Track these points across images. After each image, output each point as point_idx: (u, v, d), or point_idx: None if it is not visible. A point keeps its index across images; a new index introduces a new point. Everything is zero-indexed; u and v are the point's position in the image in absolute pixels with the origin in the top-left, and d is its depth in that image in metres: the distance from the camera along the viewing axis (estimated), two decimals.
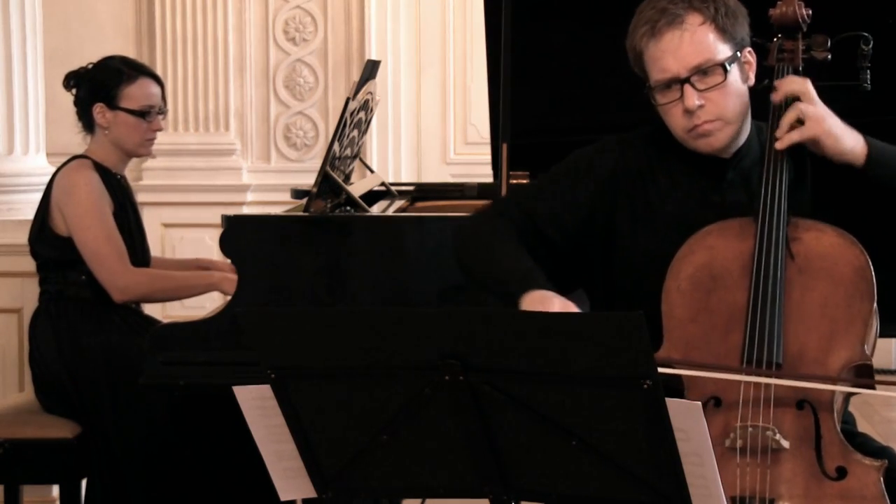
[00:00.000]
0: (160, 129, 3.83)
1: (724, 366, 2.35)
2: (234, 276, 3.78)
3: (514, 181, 3.57)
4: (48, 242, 3.70)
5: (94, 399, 3.61)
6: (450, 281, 3.14)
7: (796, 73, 2.56)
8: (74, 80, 3.82)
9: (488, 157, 3.96)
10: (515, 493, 2.05)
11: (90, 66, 3.84)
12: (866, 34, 2.74)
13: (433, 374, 1.93)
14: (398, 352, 1.94)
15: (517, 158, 3.41)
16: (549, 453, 1.96)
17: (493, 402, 1.94)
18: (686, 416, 1.87)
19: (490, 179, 4.07)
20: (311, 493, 2.11)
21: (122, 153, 3.80)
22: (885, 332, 2.65)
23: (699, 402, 1.88)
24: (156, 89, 3.80)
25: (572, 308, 2.32)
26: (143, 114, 3.75)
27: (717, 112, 2.46)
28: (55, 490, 4.04)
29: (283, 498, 2.13)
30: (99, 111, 3.75)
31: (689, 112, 2.45)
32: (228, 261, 3.48)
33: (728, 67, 2.45)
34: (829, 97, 2.65)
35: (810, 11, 2.59)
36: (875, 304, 2.37)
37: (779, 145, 2.43)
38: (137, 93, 3.76)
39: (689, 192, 2.56)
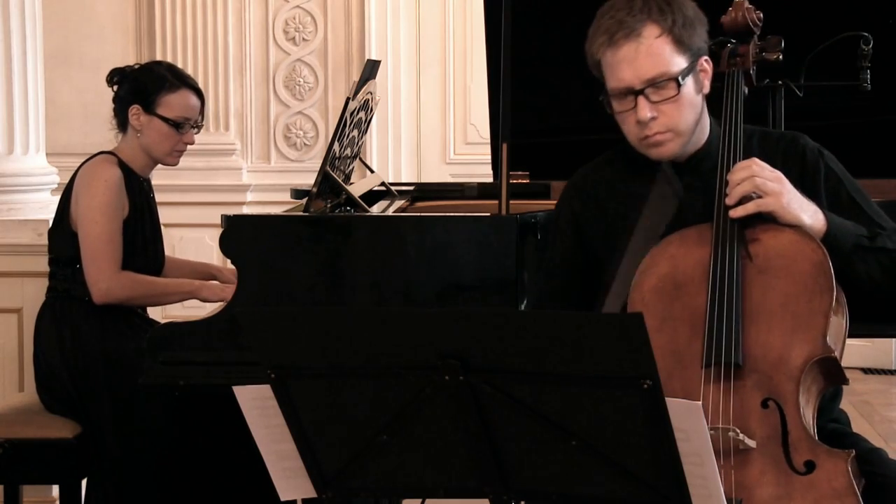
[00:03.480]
0: (191, 143, 3.81)
1: None
2: (213, 284, 3.79)
3: (514, 181, 3.58)
4: (64, 236, 3.71)
5: (94, 399, 3.61)
6: (450, 281, 3.14)
7: (747, 76, 2.57)
8: (118, 76, 3.81)
9: (488, 157, 3.97)
10: (515, 493, 2.05)
11: (136, 66, 3.84)
12: (866, 34, 2.75)
13: (433, 374, 1.93)
14: (398, 352, 1.94)
15: (517, 158, 3.41)
16: (549, 453, 1.96)
17: (493, 402, 1.94)
18: (686, 416, 1.87)
19: (490, 179, 4.07)
20: (311, 493, 2.11)
21: (149, 158, 3.80)
22: (886, 333, 2.65)
23: (699, 402, 1.88)
24: (195, 102, 3.79)
25: None
26: (177, 124, 3.74)
27: (670, 124, 2.49)
28: (55, 490, 4.04)
29: (283, 498, 2.13)
30: (134, 113, 3.74)
31: (641, 123, 2.48)
32: (233, 268, 3.47)
33: (682, 81, 2.46)
34: (829, 97, 2.65)
35: (761, 14, 2.59)
36: (836, 297, 2.37)
37: (734, 214, 2.43)
38: (176, 102, 3.74)
39: (647, 201, 2.58)
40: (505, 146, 3.20)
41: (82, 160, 3.78)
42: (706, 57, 2.53)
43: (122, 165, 3.73)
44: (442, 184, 4.67)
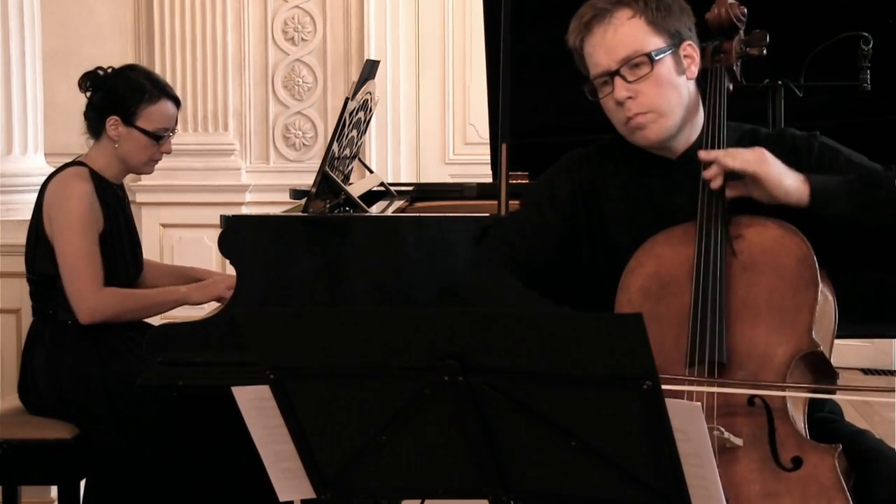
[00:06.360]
0: (169, 152, 3.72)
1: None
2: (200, 285, 3.75)
3: (514, 181, 3.57)
4: (43, 250, 3.64)
5: (91, 414, 3.58)
6: (450, 281, 3.14)
7: (730, 73, 2.57)
8: (91, 82, 3.68)
9: (488, 157, 3.96)
10: (515, 494, 2.04)
11: (110, 70, 3.71)
12: (866, 34, 2.75)
13: (432, 374, 1.93)
14: (398, 352, 1.94)
15: (517, 158, 3.41)
16: (549, 454, 1.96)
17: (492, 403, 1.94)
18: (686, 417, 1.87)
19: (490, 179, 4.07)
20: (309, 493, 2.11)
21: (123, 166, 3.70)
22: (886, 333, 2.64)
23: (699, 403, 1.88)
24: (173, 111, 3.70)
25: None
26: (157, 136, 3.65)
27: (649, 104, 2.48)
28: (53, 491, 4.04)
29: (281, 499, 2.13)
30: (112, 124, 3.63)
31: (619, 104, 2.48)
32: (223, 270, 3.46)
33: (654, 58, 2.46)
34: (829, 97, 2.65)
35: (745, 10, 2.59)
36: (822, 291, 2.37)
37: (714, 185, 2.43)
38: (157, 114, 3.65)
39: (638, 197, 2.58)
40: (504, 146, 3.20)
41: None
42: (691, 42, 2.52)
43: (94, 175, 3.65)
44: (441, 184, 4.67)
